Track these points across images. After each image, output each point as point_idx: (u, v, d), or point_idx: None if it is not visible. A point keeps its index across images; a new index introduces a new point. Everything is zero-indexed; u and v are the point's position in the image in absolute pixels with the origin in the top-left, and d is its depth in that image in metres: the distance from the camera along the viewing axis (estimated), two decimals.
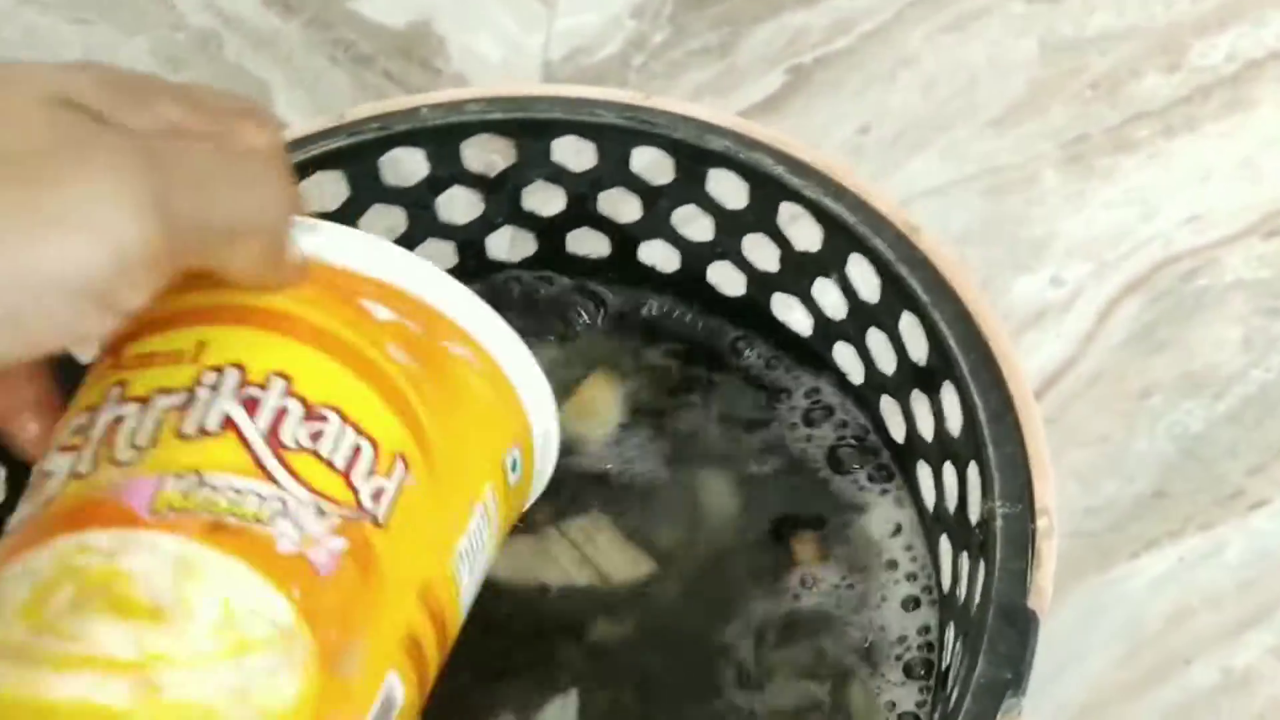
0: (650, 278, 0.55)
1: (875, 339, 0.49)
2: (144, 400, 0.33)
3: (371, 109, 0.50)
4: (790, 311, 0.53)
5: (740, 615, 0.48)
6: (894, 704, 0.46)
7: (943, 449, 0.46)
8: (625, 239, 0.54)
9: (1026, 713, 0.37)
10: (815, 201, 0.47)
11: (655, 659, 0.47)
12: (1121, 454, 0.55)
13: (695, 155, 0.49)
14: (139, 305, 0.30)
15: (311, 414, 0.33)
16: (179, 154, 0.31)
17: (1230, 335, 0.58)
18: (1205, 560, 0.53)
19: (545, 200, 0.53)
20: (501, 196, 0.53)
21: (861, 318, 0.49)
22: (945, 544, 0.47)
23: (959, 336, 0.44)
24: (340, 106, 0.51)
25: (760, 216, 0.50)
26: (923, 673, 0.46)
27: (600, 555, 0.49)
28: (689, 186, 0.51)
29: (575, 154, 0.51)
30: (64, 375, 0.38)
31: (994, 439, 0.42)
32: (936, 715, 0.43)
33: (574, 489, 0.50)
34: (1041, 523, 0.40)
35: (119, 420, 0.33)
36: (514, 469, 0.39)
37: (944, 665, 0.46)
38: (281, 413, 0.33)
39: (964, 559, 0.43)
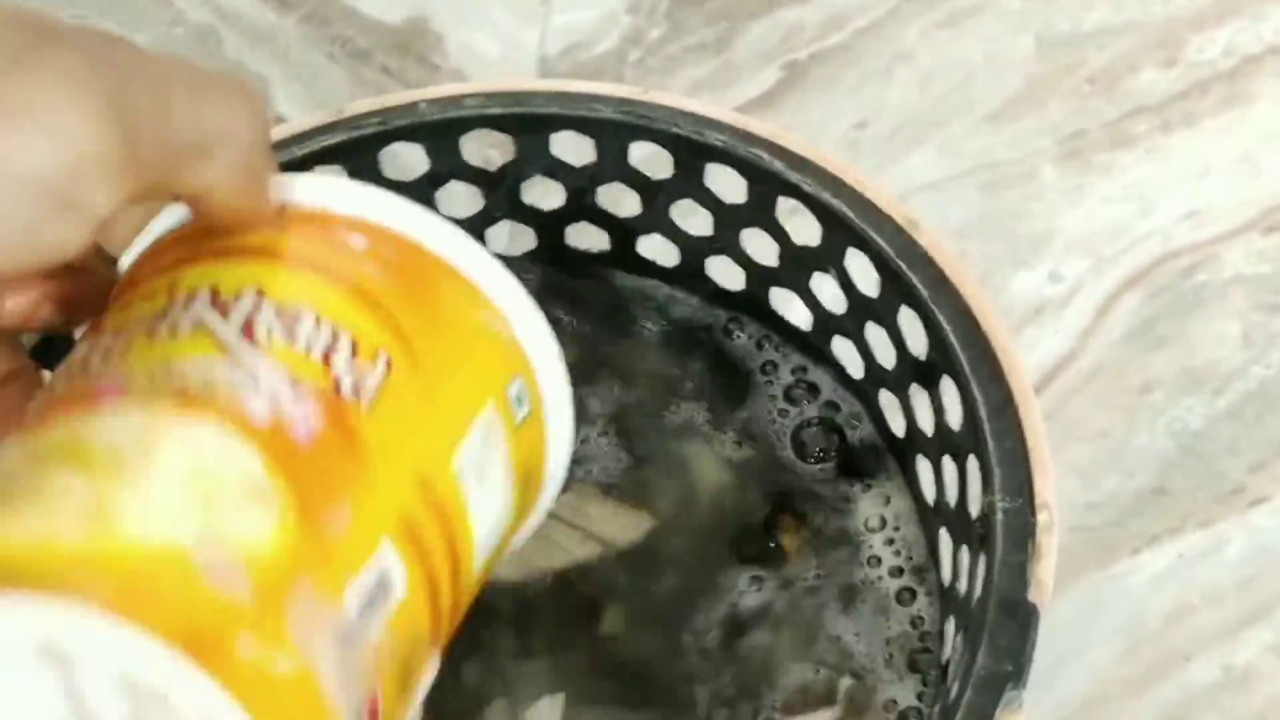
0: (649, 271, 0.55)
1: (874, 333, 0.49)
2: (117, 330, 0.33)
3: (370, 104, 0.50)
4: (789, 305, 0.53)
5: (725, 603, 0.48)
6: (895, 701, 0.46)
7: (942, 443, 0.46)
8: (624, 233, 0.54)
9: (1026, 706, 0.37)
10: (814, 196, 0.47)
11: (649, 646, 0.47)
12: (1121, 449, 0.55)
13: (694, 150, 0.49)
14: (106, 211, 0.30)
15: (286, 313, 0.33)
16: (137, 57, 0.31)
17: (1230, 331, 0.58)
18: (1205, 557, 0.53)
19: (544, 194, 0.53)
20: (501, 191, 0.53)
21: (860, 312, 0.49)
22: (945, 537, 0.47)
23: (959, 331, 0.44)
24: (338, 102, 0.51)
25: (759, 211, 0.50)
26: (921, 666, 0.46)
27: (595, 524, 0.49)
28: (687, 181, 0.51)
29: (574, 149, 0.51)
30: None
31: (994, 433, 0.42)
32: (937, 708, 0.43)
33: None
34: (1042, 517, 0.40)
35: (92, 348, 0.33)
36: (520, 402, 0.37)
37: (944, 658, 0.46)
38: (254, 311, 0.32)
39: (964, 553, 0.43)
